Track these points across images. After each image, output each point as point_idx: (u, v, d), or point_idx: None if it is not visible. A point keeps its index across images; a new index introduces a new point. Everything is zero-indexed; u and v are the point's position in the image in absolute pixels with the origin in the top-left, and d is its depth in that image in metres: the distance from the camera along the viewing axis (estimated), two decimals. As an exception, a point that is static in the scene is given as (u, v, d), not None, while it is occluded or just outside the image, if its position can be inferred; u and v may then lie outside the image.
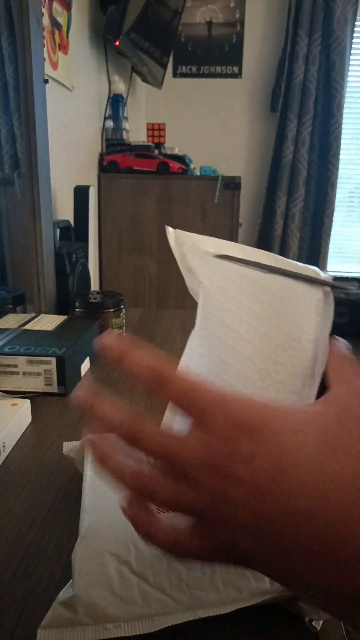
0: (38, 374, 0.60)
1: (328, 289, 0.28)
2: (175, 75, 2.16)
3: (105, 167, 1.48)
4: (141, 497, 0.22)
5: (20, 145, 0.83)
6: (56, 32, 1.09)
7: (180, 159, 1.48)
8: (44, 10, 1.01)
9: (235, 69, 2.14)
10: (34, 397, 0.60)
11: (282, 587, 0.29)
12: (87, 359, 0.71)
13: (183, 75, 2.16)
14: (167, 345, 0.83)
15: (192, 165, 1.56)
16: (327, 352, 0.26)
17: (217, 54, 2.12)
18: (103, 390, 0.23)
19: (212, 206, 1.47)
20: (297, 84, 2.01)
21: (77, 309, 0.79)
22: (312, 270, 0.29)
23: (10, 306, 0.81)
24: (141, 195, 1.48)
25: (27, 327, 0.71)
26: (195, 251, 0.26)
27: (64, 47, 1.15)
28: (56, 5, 1.08)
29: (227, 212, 1.47)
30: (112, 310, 0.79)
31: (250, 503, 0.19)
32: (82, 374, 0.69)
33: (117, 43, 1.32)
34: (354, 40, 2.03)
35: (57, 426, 0.54)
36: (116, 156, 1.48)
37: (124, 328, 0.83)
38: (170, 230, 0.27)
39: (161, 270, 1.53)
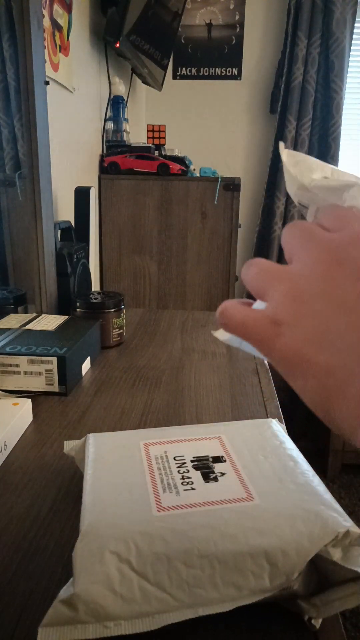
0: (39, 373, 0.61)
1: None
2: (175, 77, 2.16)
3: (106, 169, 1.49)
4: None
5: (22, 147, 0.84)
6: (57, 33, 1.09)
7: (180, 160, 1.49)
8: (45, 12, 1.01)
9: (235, 71, 2.14)
10: (35, 397, 0.60)
11: (281, 586, 0.29)
12: (88, 358, 0.71)
13: (183, 77, 2.16)
14: (167, 345, 0.83)
15: (192, 167, 1.56)
16: None
17: (216, 56, 2.13)
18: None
19: (212, 207, 1.47)
20: (296, 85, 2.01)
21: (78, 309, 0.79)
22: None
23: (12, 306, 0.81)
24: (141, 196, 1.48)
25: (29, 327, 0.71)
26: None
27: (64, 48, 1.15)
28: (57, 7, 1.09)
29: (227, 213, 1.48)
30: (112, 310, 0.79)
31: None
32: (83, 373, 0.69)
33: (118, 45, 1.33)
34: (353, 42, 2.03)
35: (58, 425, 0.54)
36: (117, 157, 1.48)
37: (124, 328, 0.83)
38: (282, 147, 0.27)
39: (161, 270, 1.53)
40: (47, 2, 1.03)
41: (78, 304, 0.79)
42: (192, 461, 0.38)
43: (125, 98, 1.57)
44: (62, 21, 1.13)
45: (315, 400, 0.20)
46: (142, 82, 1.87)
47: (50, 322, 0.74)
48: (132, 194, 1.48)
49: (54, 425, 0.54)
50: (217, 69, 2.14)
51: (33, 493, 0.42)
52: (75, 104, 1.27)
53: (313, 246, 0.22)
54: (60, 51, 1.12)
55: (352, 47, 2.03)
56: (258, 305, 0.25)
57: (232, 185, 1.45)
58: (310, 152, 2.13)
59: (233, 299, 0.25)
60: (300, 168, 0.26)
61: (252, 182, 2.26)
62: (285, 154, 0.27)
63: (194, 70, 2.15)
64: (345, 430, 0.19)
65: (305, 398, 0.20)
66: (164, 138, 1.60)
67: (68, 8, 1.16)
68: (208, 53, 2.13)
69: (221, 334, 0.26)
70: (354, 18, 1.98)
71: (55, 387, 0.61)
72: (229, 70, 2.14)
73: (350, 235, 0.21)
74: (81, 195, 1.06)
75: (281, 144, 0.28)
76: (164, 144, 1.60)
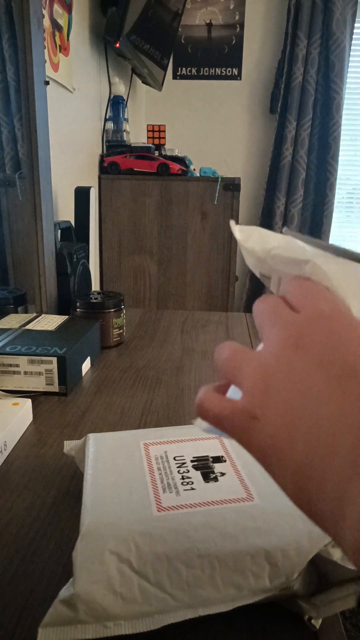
0: (39, 373, 0.61)
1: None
2: (175, 77, 2.16)
3: (106, 169, 1.49)
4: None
5: (22, 147, 0.83)
6: (57, 33, 1.09)
7: (180, 160, 1.49)
8: (45, 12, 1.01)
9: (235, 71, 2.14)
10: (35, 397, 0.60)
11: (281, 585, 0.29)
12: (88, 358, 0.71)
13: (183, 77, 2.16)
14: (167, 345, 0.83)
15: (192, 167, 1.56)
16: None
17: (216, 56, 2.13)
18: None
19: (212, 207, 1.47)
20: (296, 85, 2.01)
21: (78, 309, 0.79)
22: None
23: (12, 306, 0.81)
24: (141, 196, 1.48)
25: (29, 327, 0.71)
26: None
27: (64, 48, 1.15)
28: (57, 7, 1.09)
29: (227, 213, 1.48)
30: (112, 310, 0.79)
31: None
32: (83, 373, 0.69)
33: (118, 45, 1.33)
34: (353, 42, 2.03)
35: (58, 425, 0.55)
36: (117, 157, 1.48)
37: (124, 328, 0.83)
38: (232, 225, 0.27)
39: (161, 270, 1.53)
40: (47, 2, 1.03)
41: (78, 304, 0.79)
42: (192, 461, 0.38)
43: (125, 98, 1.57)
44: (62, 21, 1.13)
45: (295, 495, 0.19)
46: (142, 82, 1.87)
47: (50, 322, 0.74)
48: (132, 194, 1.49)
49: (54, 425, 0.54)
50: (217, 69, 2.14)
51: (33, 493, 0.42)
52: (75, 104, 1.27)
53: (277, 328, 0.21)
54: (60, 51, 1.12)
55: (352, 47, 2.03)
56: (232, 391, 0.25)
57: (232, 185, 1.45)
58: (310, 152, 2.13)
59: (209, 385, 0.25)
60: (253, 241, 0.26)
61: (252, 182, 2.26)
62: (237, 230, 0.27)
63: (194, 70, 2.15)
64: (327, 528, 0.18)
65: (287, 493, 0.19)
66: (164, 138, 1.60)
67: (68, 8, 1.16)
68: (208, 53, 2.13)
69: (201, 424, 0.25)
70: (354, 18, 1.98)
71: (55, 387, 0.61)
72: (229, 70, 2.15)
73: (311, 316, 0.21)
74: (81, 195, 1.06)
75: (231, 222, 0.28)
76: (164, 144, 1.60)
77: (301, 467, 0.18)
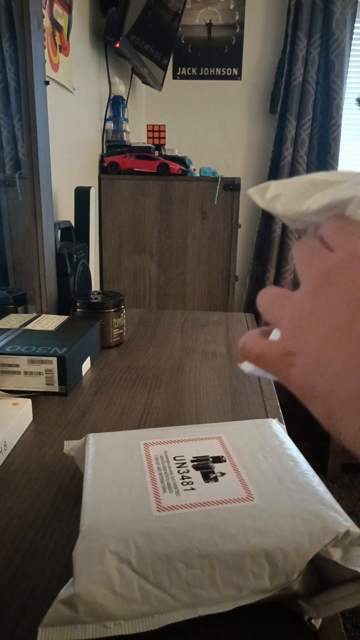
0: (39, 373, 0.61)
1: None
2: (175, 77, 2.16)
3: (106, 169, 1.49)
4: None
5: (22, 147, 0.83)
6: (57, 33, 1.09)
7: (180, 160, 1.49)
8: (45, 12, 1.01)
9: (235, 71, 2.14)
10: (35, 397, 0.60)
11: (281, 585, 0.29)
12: (88, 358, 0.71)
13: (183, 77, 2.16)
14: (167, 345, 0.83)
15: (192, 167, 1.56)
16: None
17: (216, 56, 2.13)
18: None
19: (212, 207, 1.47)
20: (296, 85, 2.01)
21: (78, 309, 0.79)
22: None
23: (12, 306, 0.81)
24: (141, 196, 1.48)
25: (29, 327, 0.71)
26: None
27: (64, 48, 1.15)
28: (57, 7, 1.09)
29: (227, 213, 1.48)
30: (112, 310, 0.79)
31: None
32: (83, 373, 0.69)
33: (118, 45, 1.33)
34: (353, 42, 2.03)
35: (58, 425, 0.55)
36: (117, 157, 1.48)
37: (124, 328, 0.83)
38: (251, 192, 0.26)
39: (161, 270, 1.53)
40: (47, 2, 1.03)
41: (78, 304, 0.79)
42: (192, 461, 0.38)
43: (125, 98, 1.57)
44: (62, 21, 1.13)
45: (326, 422, 0.20)
46: (142, 82, 1.87)
47: (50, 322, 0.74)
48: (132, 194, 1.48)
49: (54, 425, 0.54)
50: (217, 69, 2.14)
51: (33, 493, 0.42)
52: (75, 104, 1.27)
53: (311, 267, 0.22)
54: (60, 51, 1.12)
55: (352, 47, 2.03)
56: (275, 334, 0.25)
57: (232, 185, 1.45)
58: (310, 152, 2.13)
59: (254, 329, 0.26)
60: (281, 205, 0.25)
61: (252, 182, 2.26)
62: (257, 197, 0.26)
63: (194, 70, 2.15)
64: (356, 447, 0.19)
65: (322, 422, 0.21)
66: (164, 138, 1.60)
67: (68, 8, 1.16)
68: (208, 53, 2.13)
69: (246, 366, 0.26)
70: (354, 18, 1.98)
71: (55, 387, 0.61)
72: (229, 70, 2.14)
73: (344, 255, 0.21)
74: (81, 195, 1.06)
75: (249, 191, 0.26)
76: (164, 144, 1.60)
77: (329, 394, 0.19)
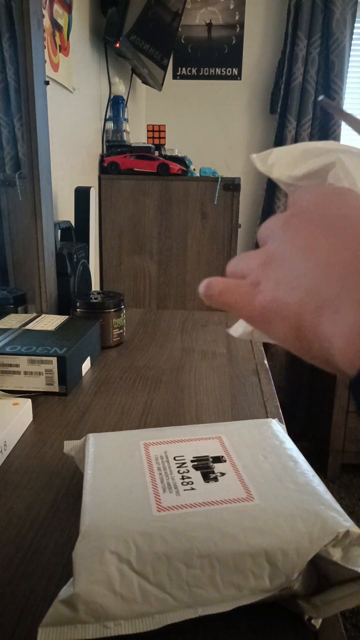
0: (39, 373, 0.61)
1: None
2: (175, 77, 2.16)
3: (106, 169, 1.49)
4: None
5: (22, 147, 0.83)
6: (57, 33, 1.09)
7: (180, 160, 1.49)
8: (45, 12, 1.01)
9: (235, 71, 2.14)
10: (35, 397, 0.60)
11: (281, 585, 0.29)
12: (88, 358, 0.71)
13: (183, 77, 2.16)
14: (167, 345, 0.83)
15: (192, 167, 1.56)
16: None
17: (216, 56, 2.13)
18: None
19: (212, 207, 1.47)
20: (296, 85, 2.01)
21: (78, 309, 0.79)
22: None
23: (12, 306, 0.81)
24: (141, 196, 1.48)
25: (29, 327, 0.71)
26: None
27: (64, 48, 1.15)
28: (57, 7, 1.09)
29: (227, 213, 1.47)
30: (112, 310, 0.79)
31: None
32: (83, 373, 0.69)
33: (118, 45, 1.33)
34: (353, 42, 2.03)
35: (58, 425, 0.54)
36: (117, 157, 1.48)
37: (124, 328, 0.83)
38: (253, 158, 0.28)
39: (161, 270, 1.53)
40: (47, 2, 1.03)
41: (78, 304, 0.79)
42: (192, 461, 0.38)
43: (125, 98, 1.57)
44: (62, 21, 1.13)
45: (295, 345, 0.21)
46: (142, 82, 1.87)
47: (50, 322, 0.74)
48: (132, 194, 1.48)
49: (54, 425, 0.54)
50: (217, 69, 2.14)
51: (33, 493, 0.42)
52: (75, 104, 1.27)
53: (277, 219, 0.24)
54: (60, 51, 1.12)
55: (352, 47, 2.03)
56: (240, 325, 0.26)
57: (232, 185, 1.45)
58: (310, 152, 2.12)
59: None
60: (277, 170, 0.26)
61: (252, 182, 2.26)
62: (259, 162, 0.27)
63: (194, 70, 2.15)
64: (323, 361, 0.20)
65: (287, 344, 0.22)
66: (164, 138, 1.59)
67: (68, 8, 1.16)
68: (208, 53, 2.13)
69: (234, 330, 0.26)
70: (354, 18, 1.98)
71: (55, 387, 0.61)
72: (229, 70, 2.14)
73: (316, 196, 0.23)
74: (81, 195, 1.06)
75: (252, 156, 0.28)
76: (164, 144, 1.60)
77: (300, 305, 0.20)
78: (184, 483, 0.35)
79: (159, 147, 1.58)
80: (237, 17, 2.08)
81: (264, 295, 0.22)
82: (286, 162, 0.26)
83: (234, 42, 2.11)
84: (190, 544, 0.29)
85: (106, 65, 1.51)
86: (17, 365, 0.60)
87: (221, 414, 0.59)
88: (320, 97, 0.28)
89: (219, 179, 1.45)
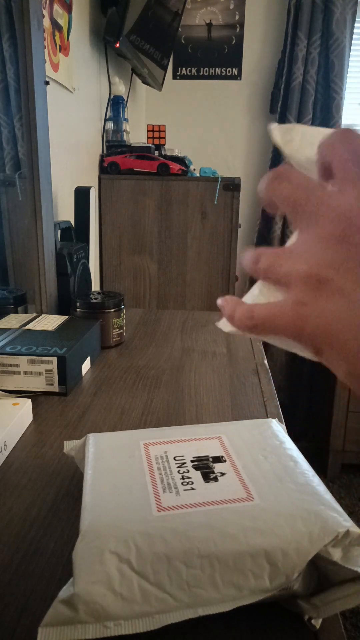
0: (39, 373, 0.61)
1: None
2: (175, 77, 2.16)
3: (106, 169, 1.49)
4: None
5: (22, 147, 0.83)
6: (57, 33, 1.09)
7: (180, 160, 1.49)
8: (45, 12, 1.01)
9: (235, 71, 2.14)
10: (35, 397, 0.60)
11: (281, 586, 0.29)
12: (88, 358, 0.71)
13: (183, 77, 2.16)
14: (167, 345, 0.83)
15: (192, 167, 1.56)
16: None
17: (216, 56, 2.13)
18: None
19: (212, 207, 1.47)
20: (296, 85, 2.01)
21: (78, 309, 0.79)
22: None
23: (12, 306, 0.81)
24: (141, 196, 1.48)
25: (29, 327, 0.71)
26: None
27: (64, 48, 1.15)
28: (57, 7, 1.09)
29: (227, 213, 1.47)
30: (112, 310, 0.79)
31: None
32: (83, 373, 0.69)
33: (118, 45, 1.33)
34: (353, 42, 2.03)
35: (58, 425, 0.54)
36: (117, 157, 1.48)
37: (124, 328, 0.83)
38: (272, 127, 0.26)
39: (161, 270, 1.53)
40: (47, 2, 1.03)
41: (78, 304, 0.79)
42: (192, 461, 0.38)
43: (125, 98, 1.57)
44: (62, 21, 1.13)
45: (348, 378, 0.20)
46: (142, 82, 1.87)
47: (50, 322, 0.74)
48: (132, 194, 1.48)
49: (54, 425, 0.54)
50: (217, 69, 2.14)
51: (33, 493, 0.42)
52: (75, 104, 1.27)
53: (322, 210, 0.21)
54: (60, 51, 1.12)
55: (352, 47, 2.03)
56: (249, 297, 0.25)
57: (232, 185, 1.45)
58: (310, 152, 2.12)
59: (228, 297, 0.25)
60: (292, 147, 0.25)
61: (252, 182, 2.26)
62: (277, 132, 0.25)
63: (194, 70, 2.15)
64: None
65: (339, 374, 0.21)
66: (164, 138, 1.59)
67: (68, 8, 1.16)
68: (208, 53, 2.13)
69: (225, 325, 0.25)
70: (354, 18, 1.98)
71: (55, 387, 0.61)
72: (229, 70, 2.14)
73: (355, 200, 0.20)
74: (81, 195, 1.06)
75: (270, 126, 0.26)
76: (164, 144, 1.60)
77: (356, 353, 0.19)
78: (184, 483, 0.35)
79: (159, 147, 1.58)
80: (237, 17, 2.08)
81: (316, 323, 0.20)
82: (308, 142, 0.24)
83: (234, 42, 2.11)
84: (190, 544, 0.29)
85: (106, 65, 1.51)
86: (17, 365, 0.60)
87: (221, 414, 0.59)
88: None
89: (219, 179, 1.45)
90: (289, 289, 0.22)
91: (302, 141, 0.25)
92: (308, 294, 0.21)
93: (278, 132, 0.26)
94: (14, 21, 0.73)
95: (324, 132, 0.24)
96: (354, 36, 2.03)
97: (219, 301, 0.25)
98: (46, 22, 1.02)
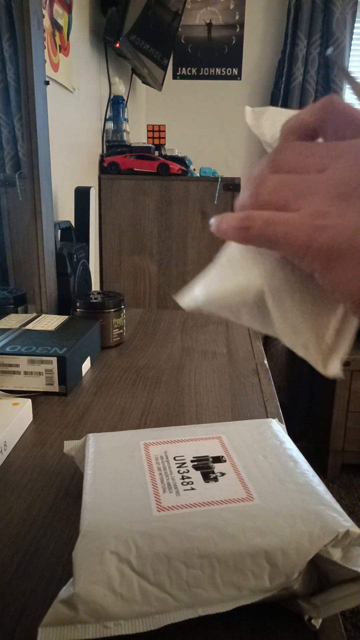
0: (39, 373, 0.61)
1: None
2: (175, 77, 2.16)
3: (106, 169, 1.49)
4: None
5: (22, 147, 0.84)
6: (57, 33, 1.09)
7: (181, 160, 1.49)
8: (45, 12, 1.01)
9: (235, 71, 2.14)
10: (35, 397, 0.60)
11: (281, 586, 0.29)
12: (88, 358, 0.71)
13: (183, 77, 2.16)
14: (167, 345, 0.83)
15: (192, 167, 1.56)
16: None
17: (216, 56, 2.13)
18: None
19: (212, 207, 1.47)
20: (296, 85, 2.01)
21: (78, 309, 0.79)
22: None
23: (12, 306, 0.81)
24: (141, 196, 1.48)
25: (29, 327, 0.71)
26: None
27: (64, 48, 1.15)
28: (57, 7, 1.09)
29: (227, 213, 1.47)
30: (112, 310, 0.79)
31: None
32: (83, 373, 0.69)
33: (118, 45, 1.33)
34: (353, 42, 2.03)
35: (58, 425, 0.55)
36: (117, 157, 1.48)
37: (124, 328, 0.83)
38: (247, 110, 0.26)
39: (161, 270, 1.53)
40: (47, 2, 1.03)
41: (78, 304, 0.79)
42: (192, 461, 0.38)
43: (125, 98, 1.57)
44: (62, 21, 1.13)
45: None
46: (142, 82, 1.87)
47: (50, 322, 0.74)
48: (132, 194, 1.48)
49: (54, 425, 0.54)
50: (217, 69, 2.14)
51: (33, 493, 0.42)
52: (75, 104, 1.27)
53: (342, 150, 0.20)
54: (60, 51, 1.12)
55: (352, 47, 2.03)
56: (212, 271, 0.23)
57: (232, 185, 1.45)
58: (310, 152, 2.12)
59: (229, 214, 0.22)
60: (263, 126, 0.25)
61: (252, 182, 2.26)
62: (249, 113, 0.26)
63: (194, 70, 2.15)
64: None
65: (353, 287, 0.19)
66: (164, 138, 1.59)
67: (68, 8, 1.16)
68: (208, 53, 2.13)
69: (186, 302, 0.21)
70: (354, 18, 1.98)
71: (55, 387, 0.61)
72: (229, 70, 2.14)
73: None
74: (81, 195, 1.06)
75: (247, 108, 0.26)
76: (164, 144, 1.60)
77: None
78: (184, 483, 0.35)
79: (159, 147, 1.58)
80: (237, 17, 2.08)
81: (335, 233, 0.18)
82: (275, 122, 0.25)
83: (234, 42, 2.11)
84: (190, 544, 0.29)
85: (106, 65, 1.51)
86: (17, 365, 0.60)
87: (221, 414, 0.59)
88: (329, 51, 0.27)
89: (219, 179, 1.45)
90: (307, 201, 0.20)
91: (272, 122, 0.25)
92: (333, 204, 0.19)
93: (252, 114, 0.26)
94: (14, 21, 0.73)
95: (287, 112, 0.24)
96: (354, 36, 2.03)
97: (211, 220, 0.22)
98: (46, 22, 1.02)
